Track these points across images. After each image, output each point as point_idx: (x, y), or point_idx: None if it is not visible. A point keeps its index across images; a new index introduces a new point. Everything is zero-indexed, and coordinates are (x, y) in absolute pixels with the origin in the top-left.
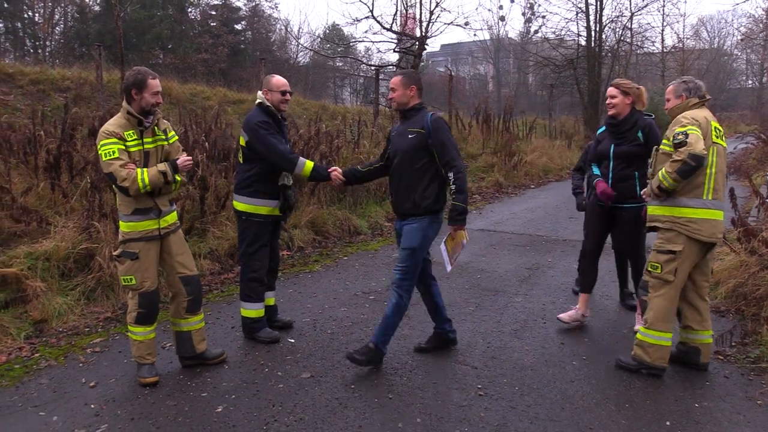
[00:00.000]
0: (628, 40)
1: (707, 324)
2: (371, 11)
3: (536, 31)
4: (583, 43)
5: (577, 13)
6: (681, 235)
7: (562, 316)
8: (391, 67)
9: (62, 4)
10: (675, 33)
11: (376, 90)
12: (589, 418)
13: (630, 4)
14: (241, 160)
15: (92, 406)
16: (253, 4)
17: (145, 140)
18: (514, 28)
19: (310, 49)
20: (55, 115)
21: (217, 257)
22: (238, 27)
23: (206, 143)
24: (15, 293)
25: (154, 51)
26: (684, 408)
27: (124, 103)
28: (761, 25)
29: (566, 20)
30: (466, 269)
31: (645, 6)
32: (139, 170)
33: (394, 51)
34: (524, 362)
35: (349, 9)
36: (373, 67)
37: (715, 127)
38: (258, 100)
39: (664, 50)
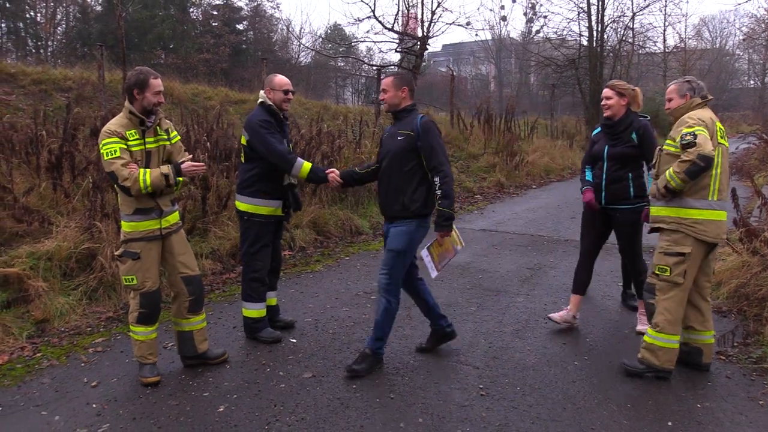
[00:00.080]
0: (629, 40)
1: (709, 324)
2: (373, 11)
3: (538, 31)
4: (585, 43)
5: (578, 13)
6: (689, 236)
7: (553, 315)
8: (392, 67)
9: (64, 4)
10: (677, 33)
11: (378, 90)
12: (591, 419)
13: (632, 4)
14: (242, 160)
15: (94, 405)
16: (255, 4)
17: (147, 140)
18: (515, 28)
19: (312, 49)
20: (57, 115)
21: (218, 257)
22: (240, 27)
23: (208, 143)
24: (17, 293)
25: (156, 51)
26: (686, 408)
27: (126, 103)
28: (763, 25)
29: (568, 20)
30: (468, 269)
31: (647, 6)
32: (141, 170)
33: (396, 51)
34: (526, 362)
35: (350, 9)
36: (374, 67)
37: (719, 128)
38: (260, 100)
39: (666, 50)
